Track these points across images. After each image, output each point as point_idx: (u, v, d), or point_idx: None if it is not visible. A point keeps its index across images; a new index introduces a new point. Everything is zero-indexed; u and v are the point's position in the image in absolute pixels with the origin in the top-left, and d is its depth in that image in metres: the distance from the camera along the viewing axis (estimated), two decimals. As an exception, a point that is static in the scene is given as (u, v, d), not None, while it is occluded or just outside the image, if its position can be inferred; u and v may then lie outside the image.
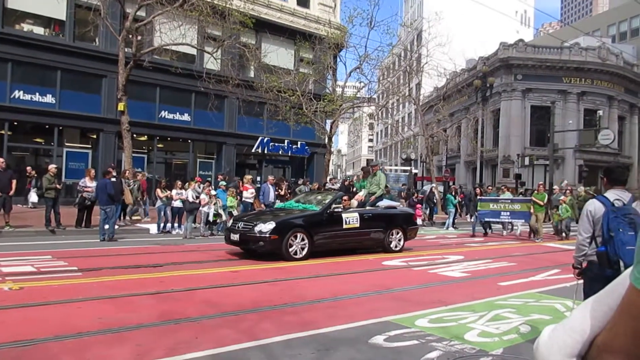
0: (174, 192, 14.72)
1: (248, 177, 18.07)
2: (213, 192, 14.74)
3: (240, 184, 17.95)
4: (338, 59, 25.98)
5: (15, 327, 5.02)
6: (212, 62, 20.52)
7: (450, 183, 34.77)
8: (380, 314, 5.94)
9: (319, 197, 12.24)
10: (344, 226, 11.00)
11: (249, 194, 16.45)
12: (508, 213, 16.98)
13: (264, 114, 26.15)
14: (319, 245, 10.64)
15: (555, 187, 20.85)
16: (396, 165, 58.87)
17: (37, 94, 20.81)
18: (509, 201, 17.24)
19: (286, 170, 29.54)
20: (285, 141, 27.50)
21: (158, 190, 15.27)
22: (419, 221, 20.08)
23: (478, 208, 17.71)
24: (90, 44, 22.24)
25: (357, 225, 11.20)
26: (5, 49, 19.33)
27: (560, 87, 39.91)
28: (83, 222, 14.08)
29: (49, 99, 21.06)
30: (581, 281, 4.34)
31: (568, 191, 18.80)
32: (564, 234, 16.97)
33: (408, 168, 36.44)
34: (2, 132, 20.27)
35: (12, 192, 12.96)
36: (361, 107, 29.53)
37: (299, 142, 27.99)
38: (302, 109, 22.10)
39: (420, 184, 39.15)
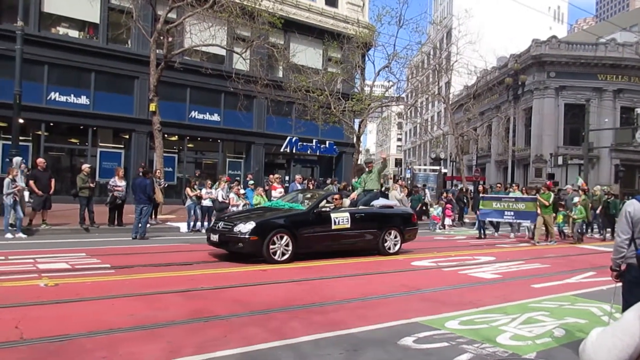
0: (203, 191, 14.90)
1: (275, 176, 18.15)
2: (242, 191, 14.87)
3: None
4: (366, 58, 25.86)
5: (50, 323, 5.14)
6: (241, 63, 20.70)
7: (480, 183, 34.25)
8: (409, 315, 5.87)
9: (309, 196, 11.53)
10: (333, 227, 10.27)
11: (277, 193, 16.53)
12: (512, 213, 15.73)
13: (292, 114, 26.22)
14: (305, 247, 9.94)
15: (567, 186, 19.61)
16: (425, 164, 58.35)
17: (72, 95, 21.36)
18: (513, 200, 15.99)
19: (314, 170, 29.57)
20: (314, 140, 27.51)
21: (188, 189, 15.47)
22: (448, 221, 19.90)
23: (480, 207, 16.41)
24: (123, 46, 22.70)
25: (348, 225, 10.48)
26: (41, 51, 19.88)
27: (596, 84, 38.85)
28: (115, 221, 14.38)
29: (83, 100, 21.59)
30: (619, 284, 4.20)
31: (582, 191, 17.58)
32: (577, 238, 15.78)
33: (437, 167, 36.08)
34: (39, 132, 20.90)
35: (52, 192, 13.35)
36: (390, 106, 29.33)
37: (327, 142, 27.97)
38: (330, 108, 22.07)
39: (450, 183, 38.71)
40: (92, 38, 22.36)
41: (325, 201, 10.65)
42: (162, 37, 17.44)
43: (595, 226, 19.14)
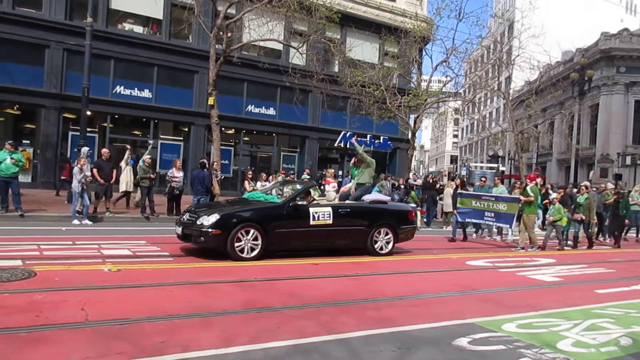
0: (258, 184, 15.14)
1: (330, 170, 18.18)
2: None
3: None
4: (424, 53, 25.36)
5: (113, 306, 5.37)
6: (297, 57, 20.82)
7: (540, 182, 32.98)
8: (464, 315, 5.74)
9: (289, 188, 10.41)
10: (312, 222, 9.24)
11: (330, 187, 16.54)
12: (492, 214, 13.19)
13: (347, 109, 26.19)
14: (277, 243, 9.00)
15: (585, 182, 16.16)
16: (482, 162, 56.82)
17: (136, 89, 22.27)
18: (493, 199, 13.37)
19: (368, 165, 29.38)
20: (368, 136, 27.35)
21: (246, 182, 15.78)
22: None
23: (458, 205, 14.02)
24: (184, 42, 23.37)
25: (329, 222, 9.41)
26: (108, 47, 20.79)
27: (670, 80, 36.50)
28: (174, 210, 14.85)
29: (146, 93, 22.46)
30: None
31: (584, 188, 14.62)
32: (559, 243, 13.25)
33: (495, 165, 35.02)
34: (105, 124, 21.90)
35: (113, 181, 13.97)
36: (447, 101, 28.67)
37: (381, 137, 27.75)
38: (385, 103, 21.84)
39: (508, 182, 37.51)
40: (155, 34, 23.18)
41: (306, 194, 9.69)
42: (221, 33, 17.78)
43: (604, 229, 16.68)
